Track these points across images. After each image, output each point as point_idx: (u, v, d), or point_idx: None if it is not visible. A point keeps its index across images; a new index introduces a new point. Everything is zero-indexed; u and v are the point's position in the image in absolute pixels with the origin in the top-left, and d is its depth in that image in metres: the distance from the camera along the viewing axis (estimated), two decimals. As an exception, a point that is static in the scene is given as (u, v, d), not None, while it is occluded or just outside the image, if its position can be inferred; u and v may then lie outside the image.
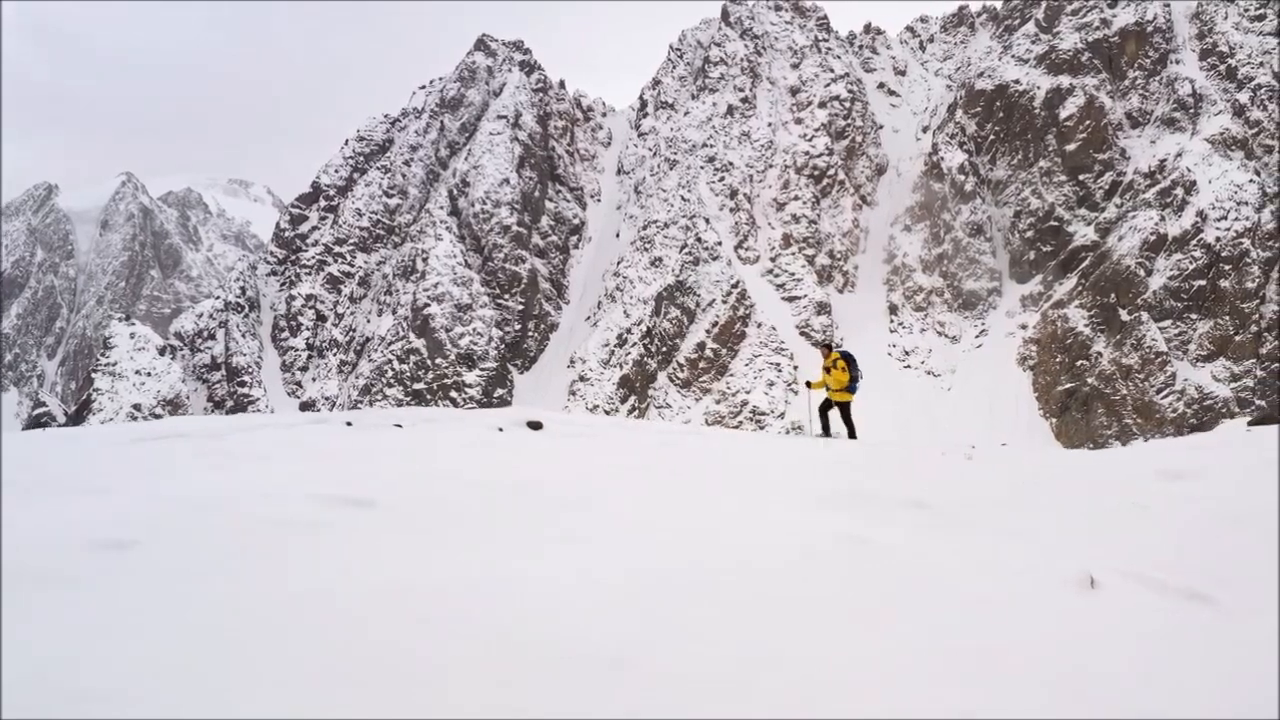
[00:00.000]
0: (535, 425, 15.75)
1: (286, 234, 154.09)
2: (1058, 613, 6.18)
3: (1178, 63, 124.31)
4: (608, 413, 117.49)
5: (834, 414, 21.32)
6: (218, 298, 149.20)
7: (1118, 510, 9.70)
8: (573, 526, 7.83)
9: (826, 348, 21.36)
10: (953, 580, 6.74)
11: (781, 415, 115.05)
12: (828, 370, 20.90)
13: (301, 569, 6.08)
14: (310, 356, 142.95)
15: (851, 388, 20.84)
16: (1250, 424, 23.87)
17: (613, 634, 5.26)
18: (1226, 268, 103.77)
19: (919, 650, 5.32)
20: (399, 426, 15.15)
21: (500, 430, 15.19)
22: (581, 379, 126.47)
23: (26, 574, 5.56)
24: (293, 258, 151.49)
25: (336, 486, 8.59)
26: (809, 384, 22.10)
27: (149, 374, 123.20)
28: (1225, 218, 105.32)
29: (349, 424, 15.06)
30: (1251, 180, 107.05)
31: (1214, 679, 5.23)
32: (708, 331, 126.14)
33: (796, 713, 4.49)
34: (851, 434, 20.97)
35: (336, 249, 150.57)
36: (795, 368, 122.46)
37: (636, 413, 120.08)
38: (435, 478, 9.90)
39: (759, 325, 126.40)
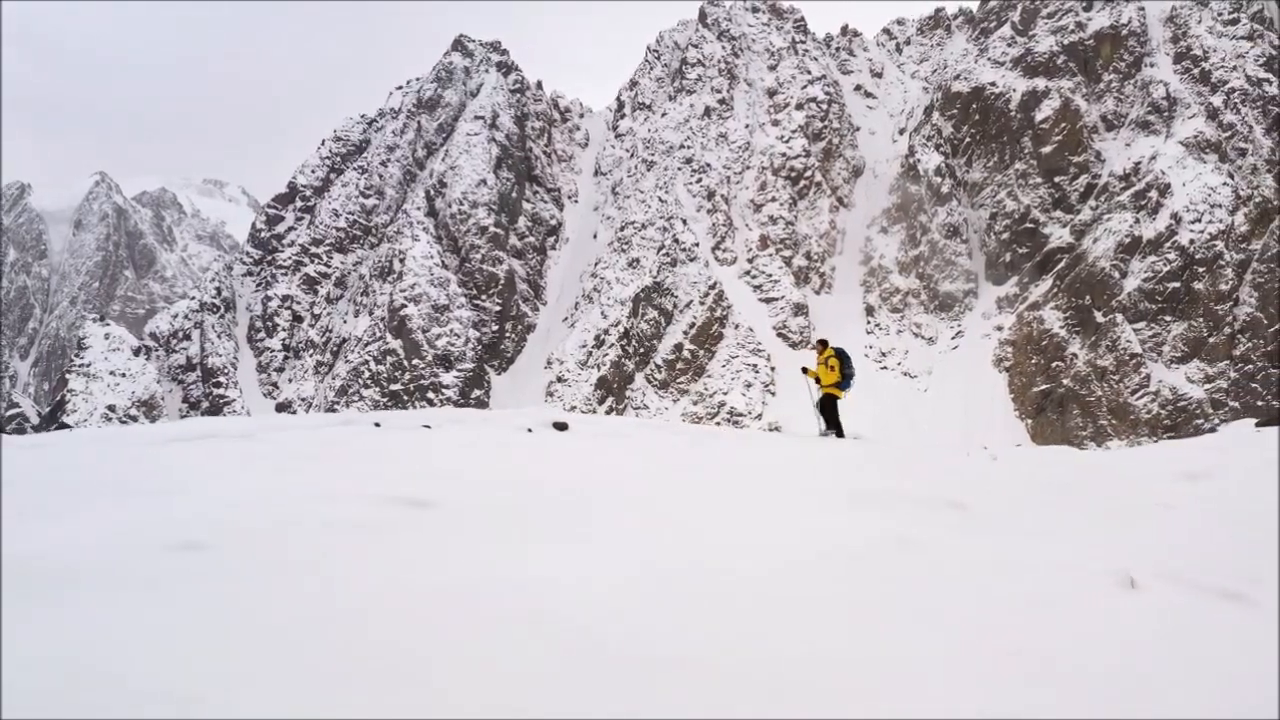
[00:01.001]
0: (561, 426, 15.97)
1: (262, 234, 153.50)
2: (1104, 613, 6.28)
3: (1152, 66, 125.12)
4: (583, 414, 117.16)
5: (816, 409, 21.36)
6: (193, 298, 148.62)
7: (1144, 510, 9.87)
8: (627, 527, 7.99)
9: (822, 343, 21.37)
10: (998, 580, 6.84)
11: (759, 416, 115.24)
12: (829, 367, 20.84)
13: (372, 569, 6.16)
14: (286, 357, 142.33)
15: (843, 385, 20.80)
16: (1258, 425, 24.10)
17: (663, 633, 5.35)
18: (1200, 270, 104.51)
19: (974, 650, 5.41)
20: (428, 427, 15.25)
21: (530, 431, 15.34)
22: (559, 380, 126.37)
23: (106, 575, 5.59)
24: (269, 258, 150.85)
25: (394, 487, 8.69)
26: (805, 369, 21.97)
27: (124, 375, 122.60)
28: (1199, 220, 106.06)
29: (377, 425, 15.17)
30: (1225, 183, 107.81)
31: (1261, 676, 5.32)
32: (685, 333, 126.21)
33: (854, 712, 4.54)
34: (838, 432, 20.83)
35: (313, 250, 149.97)
36: (773, 369, 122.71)
37: (614, 414, 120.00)
38: (486, 479, 10.05)
39: (736, 326, 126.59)
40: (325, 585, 5.74)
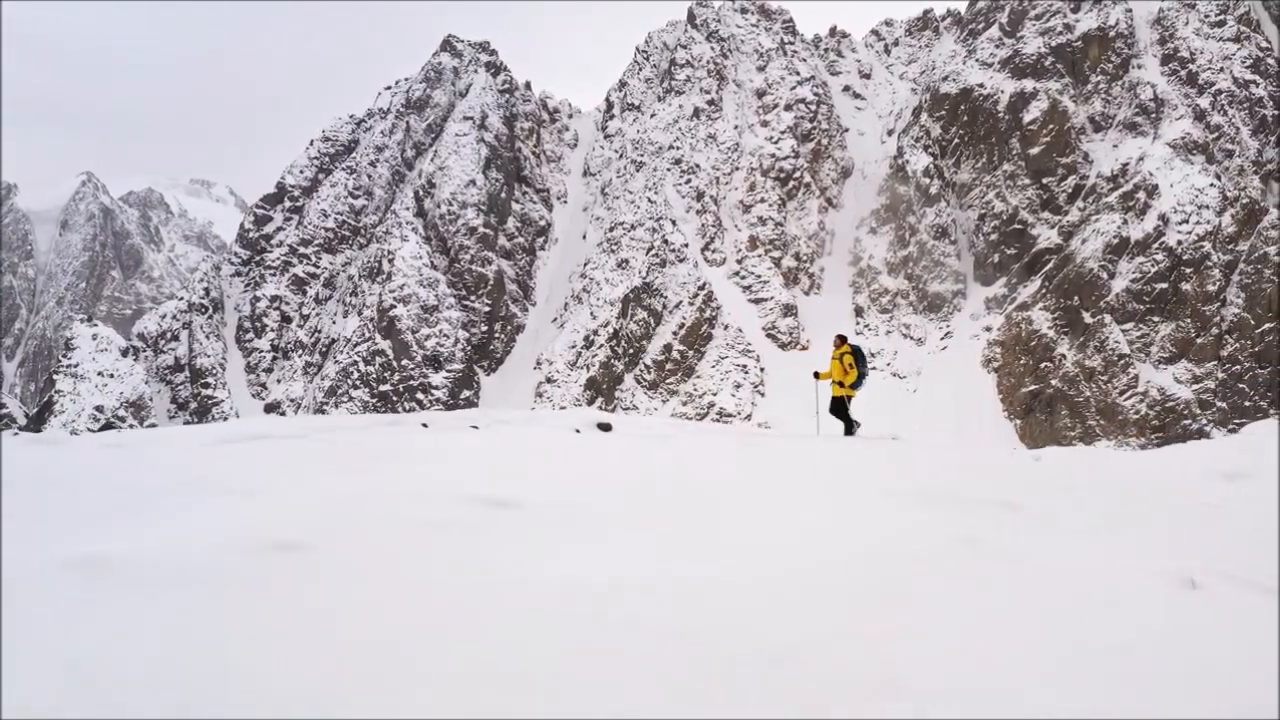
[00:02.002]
0: (605, 426, 16.38)
1: (251, 235, 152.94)
2: (1172, 612, 6.39)
3: (1140, 68, 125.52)
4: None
5: (831, 412, 21.31)
6: (181, 298, 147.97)
7: (1190, 510, 10.01)
8: (707, 527, 8.16)
9: (840, 339, 21.30)
10: (1067, 579, 6.99)
11: (748, 417, 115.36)
12: (844, 365, 20.72)
13: (471, 570, 6.34)
14: (275, 358, 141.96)
15: (856, 384, 20.74)
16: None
17: (768, 633, 5.47)
18: (1188, 271, 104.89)
19: (1060, 650, 5.52)
20: (475, 427, 15.47)
21: (577, 431, 15.57)
22: (548, 380, 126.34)
23: (215, 576, 5.70)
24: (257, 258, 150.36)
25: (472, 487, 8.91)
26: (818, 375, 21.81)
27: (111, 375, 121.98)
28: (1186, 221, 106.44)
29: (425, 425, 15.46)
30: (1212, 184, 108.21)
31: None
32: (674, 333, 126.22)
33: (957, 712, 4.62)
34: (848, 429, 20.81)
35: (301, 250, 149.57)
36: (762, 369, 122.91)
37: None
38: (558, 479, 10.30)
39: (725, 327, 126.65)
40: (429, 586, 5.92)
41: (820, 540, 7.80)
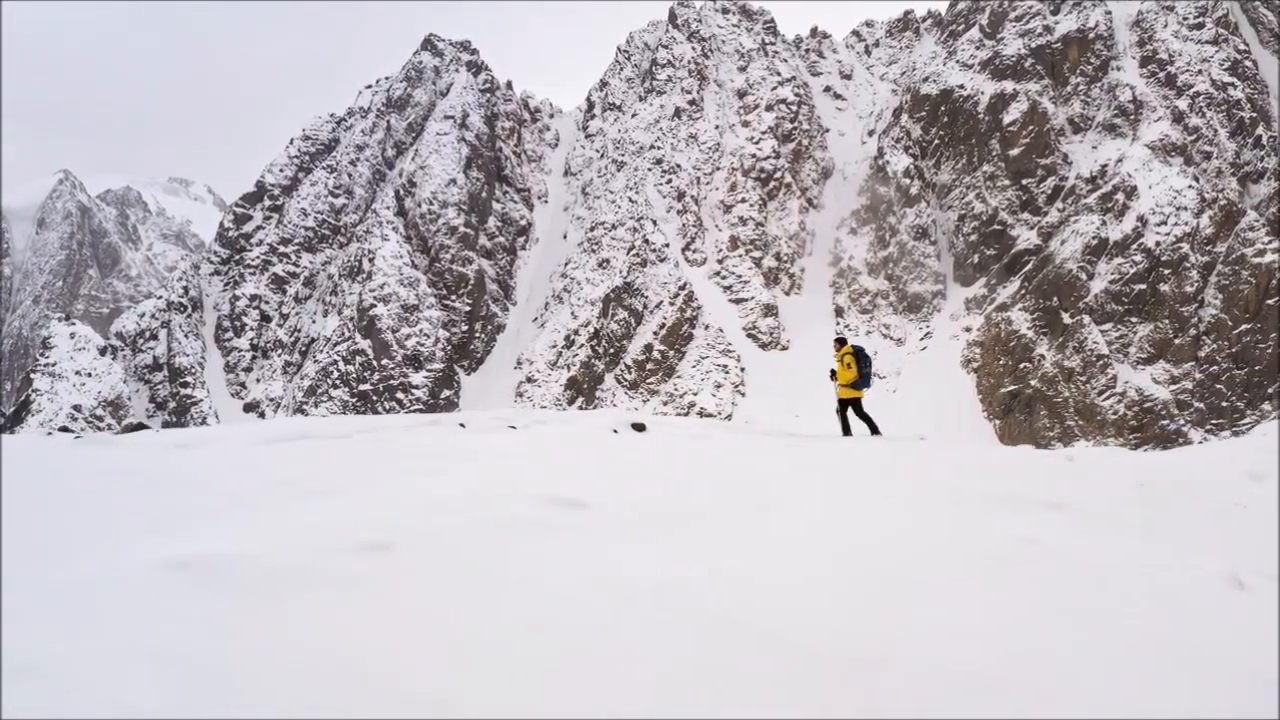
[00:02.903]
0: (639, 427, 16.75)
1: (230, 233, 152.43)
2: (1225, 611, 6.54)
3: (1118, 69, 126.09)
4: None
5: (838, 414, 21.33)
6: (160, 297, 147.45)
7: (1223, 510, 10.27)
8: (775, 526, 8.27)
9: (840, 341, 21.31)
10: (1121, 578, 7.15)
11: (729, 417, 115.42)
12: (846, 365, 20.73)
13: (552, 569, 6.42)
14: (254, 357, 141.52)
15: (859, 384, 20.69)
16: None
17: (857, 634, 5.52)
18: (1166, 272, 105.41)
19: (1136, 650, 5.62)
20: (513, 428, 15.72)
21: (615, 432, 15.82)
22: (529, 380, 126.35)
23: (312, 576, 5.75)
24: (236, 257, 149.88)
25: (545, 487, 9.01)
26: (833, 374, 21.78)
27: (89, 374, 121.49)
28: (1165, 223, 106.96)
29: (462, 425, 15.72)
30: (1190, 186, 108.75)
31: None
32: (655, 333, 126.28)
33: (1052, 712, 4.67)
34: (873, 429, 20.65)
35: (281, 249, 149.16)
36: (742, 369, 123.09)
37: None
38: (621, 478, 10.46)
39: (706, 327, 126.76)
40: (522, 586, 5.98)
41: (886, 539, 7.92)
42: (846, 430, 20.82)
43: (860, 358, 20.70)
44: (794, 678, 4.76)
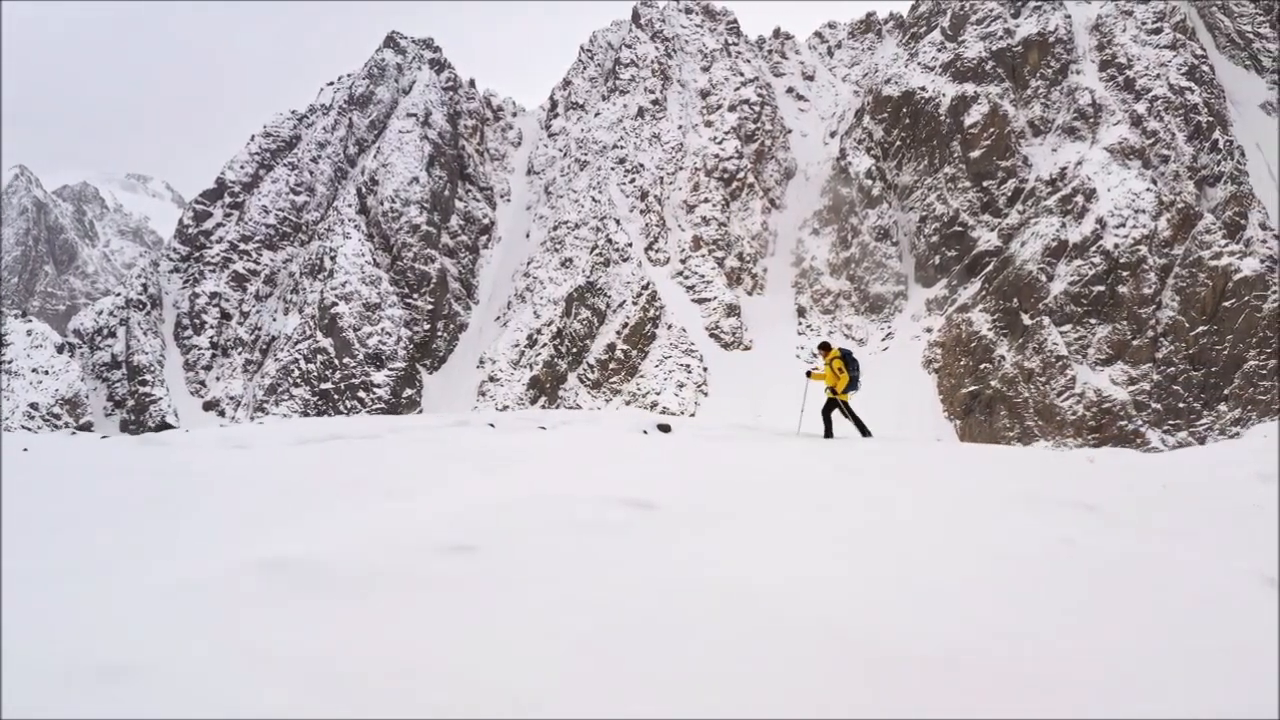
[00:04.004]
0: (665, 428, 17.10)
1: (190, 230, 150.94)
2: (1265, 610, 6.61)
3: (1078, 73, 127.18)
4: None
5: (821, 413, 21.49)
6: (118, 294, 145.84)
7: (1243, 511, 10.48)
8: (831, 526, 8.49)
9: (824, 347, 21.44)
10: (1163, 578, 7.31)
11: (692, 416, 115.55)
12: (835, 370, 20.88)
13: (633, 571, 6.54)
14: (214, 355, 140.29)
15: (849, 388, 20.88)
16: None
17: (930, 633, 5.64)
18: (1124, 274, 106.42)
19: (1191, 650, 5.75)
20: (543, 428, 15.90)
21: (645, 433, 16.07)
22: (491, 379, 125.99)
23: (402, 576, 5.86)
24: (196, 254, 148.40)
25: (608, 488, 9.16)
26: (810, 374, 21.89)
27: (46, 372, 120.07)
28: (1123, 225, 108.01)
29: (491, 425, 15.87)
30: (1148, 189, 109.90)
31: None
32: (618, 333, 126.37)
33: (1124, 711, 4.78)
34: (863, 431, 20.97)
35: (242, 246, 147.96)
36: (705, 369, 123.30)
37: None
38: (680, 479, 10.70)
39: (669, 327, 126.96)
40: (608, 588, 6.07)
41: (940, 540, 8.11)
42: (829, 432, 21.01)
43: (849, 362, 20.90)
44: (869, 677, 4.88)
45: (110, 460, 11.06)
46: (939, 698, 4.72)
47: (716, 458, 13.46)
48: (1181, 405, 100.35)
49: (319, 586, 5.57)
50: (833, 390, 21.02)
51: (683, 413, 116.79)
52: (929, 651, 5.28)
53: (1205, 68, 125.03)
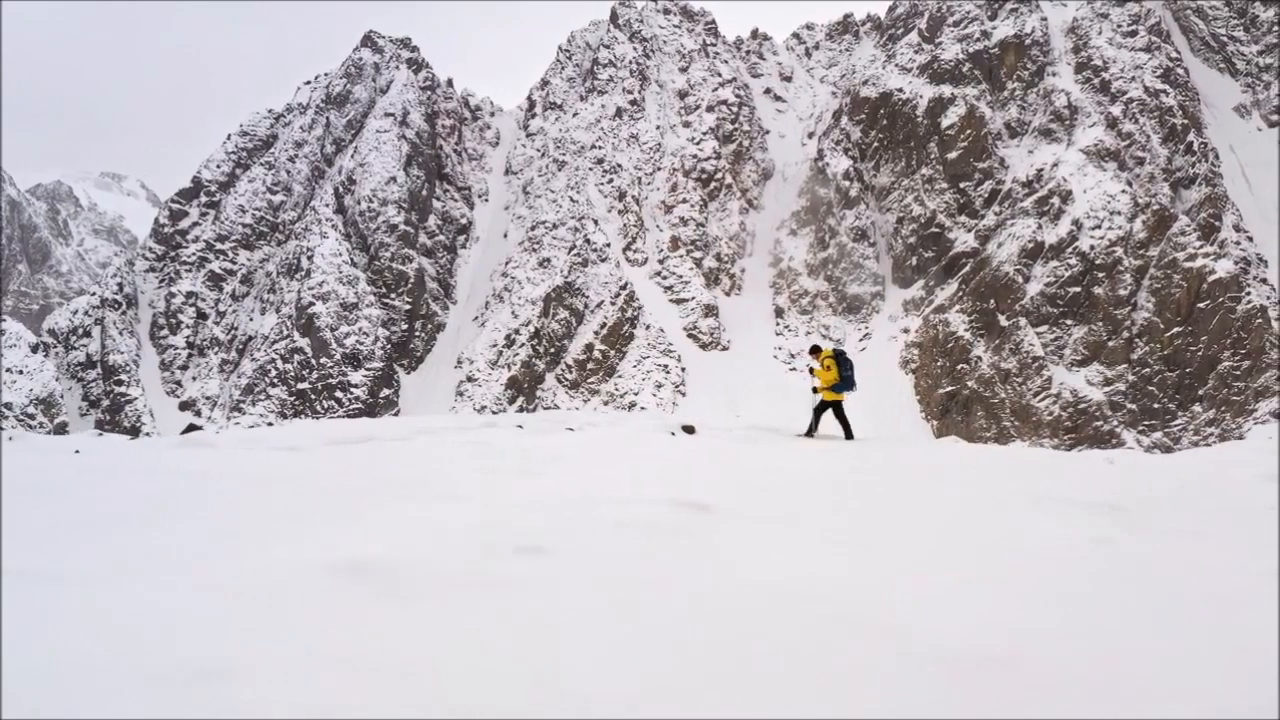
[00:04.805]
0: (690, 429, 17.20)
1: (166, 230, 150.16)
2: None
3: (1054, 75, 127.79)
4: (495, 413, 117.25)
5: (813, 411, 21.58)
6: (94, 294, 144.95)
7: (1257, 511, 10.67)
8: (882, 529, 8.67)
9: (815, 350, 21.49)
10: (1195, 578, 7.45)
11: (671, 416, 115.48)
12: (826, 368, 20.98)
13: (699, 571, 6.67)
14: (190, 355, 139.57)
15: (839, 387, 20.92)
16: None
17: (978, 633, 5.73)
18: (1100, 275, 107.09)
19: (1240, 650, 5.84)
20: (571, 430, 16.08)
21: (673, 434, 16.31)
22: (469, 379, 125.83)
23: (482, 577, 5.96)
24: (172, 254, 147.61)
25: (661, 490, 9.35)
26: (811, 370, 21.84)
27: (20, 372, 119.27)
28: (1099, 227, 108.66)
29: (520, 426, 16.06)
30: (1124, 191, 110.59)
31: None
32: (596, 333, 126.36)
33: (1179, 713, 4.85)
34: (848, 434, 21.04)
35: (218, 246, 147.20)
36: (683, 369, 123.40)
37: (525, 414, 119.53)
38: (727, 481, 10.88)
39: (647, 327, 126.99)
40: (677, 589, 6.17)
41: (985, 541, 8.30)
42: (812, 430, 21.09)
43: (840, 360, 20.97)
44: (932, 677, 4.95)
45: (161, 462, 11.20)
46: (1005, 699, 4.79)
47: (751, 459, 13.67)
48: (1156, 406, 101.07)
49: (396, 587, 5.66)
50: (829, 389, 21.07)
51: (660, 413, 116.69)
52: (986, 651, 5.36)
53: (1180, 70, 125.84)
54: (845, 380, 20.95)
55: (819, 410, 21.30)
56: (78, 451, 12.59)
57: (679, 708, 4.37)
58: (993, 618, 5.98)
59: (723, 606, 5.82)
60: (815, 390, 21.63)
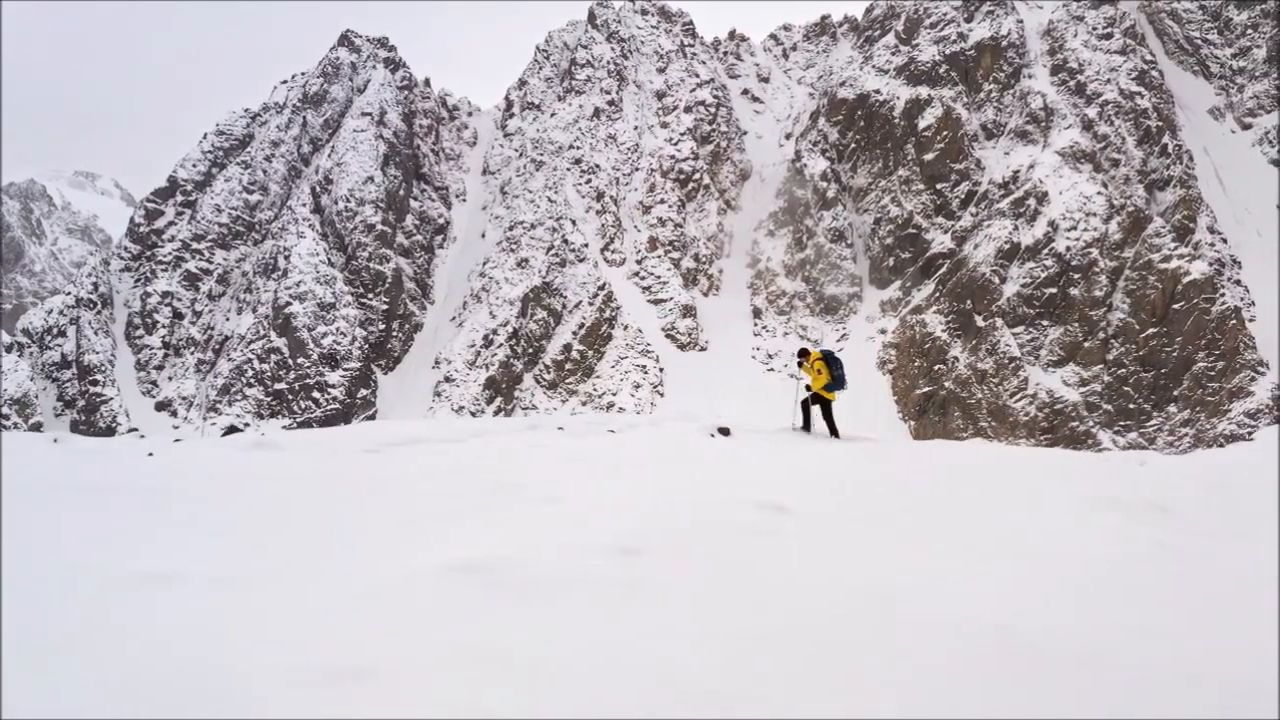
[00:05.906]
0: (725, 431, 17.34)
1: (141, 229, 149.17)
2: None
3: (1030, 77, 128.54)
4: (474, 414, 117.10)
5: (799, 405, 21.75)
6: (68, 293, 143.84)
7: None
8: (955, 529, 8.80)
9: (803, 353, 21.62)
10: (1250, 578, 7.64)
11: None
12: (817, 371, 21.14)
13: (790, 571, 6.81)
14: (166, 355, 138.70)
15: (832, 387, 21.09)
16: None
17: (1066, 632, 5.85)
18: (1076, 276, 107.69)
19: None
20: (613, 431, 16.15)
21: (712, 436, 16.44)
22: (447, 380, 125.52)
23: (585, 578, 6.07)
24: (148, 253, 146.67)
25: (735, 491, 9.42)
26: (801, 367, 21.98)
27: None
28: (1075, 228, 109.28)
29: (560, 428, 16.14)
30: (1099, 192, 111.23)
31: None
32: (574, 333, 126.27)
33: (1262, 711, 4.99)
34: (833, 433, 21.17)
35: (194, 245, 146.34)
36: (661, 370, 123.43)
37: (503, 414, 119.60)
38: (797, 483, 10.93)
39: (625, 327, 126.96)
40: (771, 588, 6.30)
41: (1046, 541, 8.43)
42: (806, 423, 21.33)
43: (830, 361, 21.12)
44: (1025, 674, 5.04)
45: (238, 464, 11.22)
46: (1087, 693, 4.88)
47: (803, 461, 13.85)
48: (1132, 406, 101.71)
49: (509, 588, 5.75)
50: (821, 390, 21.24)
51: (639, 414, 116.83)
52: (1076, 650, 5.47)
53: (1155, 73, 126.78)
54: (837, 379, 21.13)
55: (809, 405, 21.50)
56: (151, 454, 12.52)
57: (783, 706, 4.44)
58: (1073, 616, 6.13)
59: (830, 607, 5.92)
60: (809, 389, 21.82)
